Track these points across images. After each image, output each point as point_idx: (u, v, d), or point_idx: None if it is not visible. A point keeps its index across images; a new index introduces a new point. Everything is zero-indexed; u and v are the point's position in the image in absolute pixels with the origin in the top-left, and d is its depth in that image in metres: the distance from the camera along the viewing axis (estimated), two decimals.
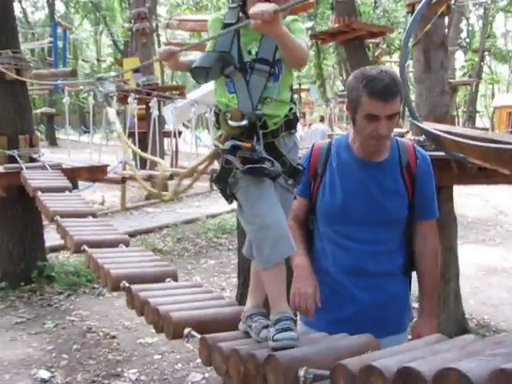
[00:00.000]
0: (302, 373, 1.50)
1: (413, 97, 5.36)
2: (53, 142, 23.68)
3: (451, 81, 21.20)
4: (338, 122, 18.00)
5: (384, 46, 17.86)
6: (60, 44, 19.29)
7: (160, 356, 4.54)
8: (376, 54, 18.86)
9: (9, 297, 5.85)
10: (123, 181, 7.82)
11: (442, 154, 4.05)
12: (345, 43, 12.36)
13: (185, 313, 2.19)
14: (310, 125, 16.08)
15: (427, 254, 2.28)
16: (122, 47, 33.75)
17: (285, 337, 1.62)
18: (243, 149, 1.77)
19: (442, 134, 3.15)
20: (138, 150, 4.71)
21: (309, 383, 1.51)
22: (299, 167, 1.83)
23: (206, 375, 4.20)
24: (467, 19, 41.37)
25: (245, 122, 1.76)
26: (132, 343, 4.81)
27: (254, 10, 1.60)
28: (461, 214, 11.63)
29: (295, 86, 23.45)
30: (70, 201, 4.86)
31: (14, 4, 6.86)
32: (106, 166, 7.00)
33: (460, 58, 43.08)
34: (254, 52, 1.82)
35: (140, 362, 4.42)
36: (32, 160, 6.03)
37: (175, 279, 2.89)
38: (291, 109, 1.85)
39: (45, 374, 4.14)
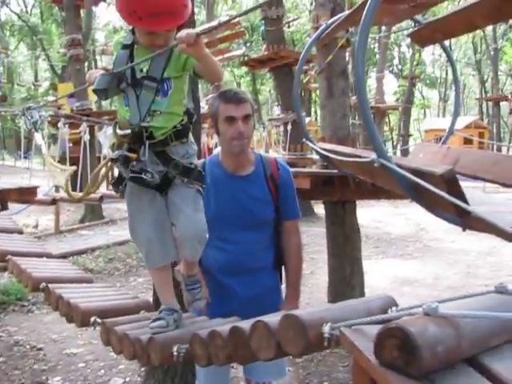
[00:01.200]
0: (175, 349, 1.91)
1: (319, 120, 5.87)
2: None
3: (379, 105, 22.13)
4: (274, 146, 18.54)
5: (313, 72, 18.60)
6: None
7: (84, 364, 4.80)
8: (305, 80, 19.63)
9: None
10: (53, 202, 7.99)
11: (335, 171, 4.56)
12: (274, 70, 13.00)
13: (92, 304, 2.55)
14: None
15: (292, 250, 2.70)
16: (59, 71, 33.59)
17: (154, 325, 2.07)
18: (131, 159, 2.12)
19: (324, 152, 3.63)
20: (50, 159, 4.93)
21: (181, 358, 1.92)
22: (191, 166, 2.12)
23: (127, 379, 4.49)
24: (399, 47, 43.45)
25: (128, 131, 2.09)
26: (58, 354, 5.04)
27: (179, 34, 1.89)
28: (386, 231, 12.37)
29: None
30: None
31: None
32: (36, 187, 7.19)
33: (394, 84, 45.02)
34: (144, 70, 2.08)
35: (65, 370, 4.67)
36: None
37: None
38: (182, 120, 2.12)
39: None
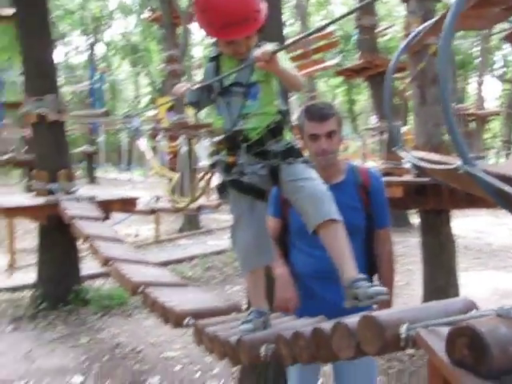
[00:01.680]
0: (263, 349, 1.99)
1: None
2: (92, 179, 24.52)
3: (479, 112, 21.28)
4: (371, 156, 18.31)
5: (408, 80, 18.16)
6: (99, 86, 20.35)
7: (181, 366, 4.99)
8: (401, 88, 19.23)
9: (49, 316, 6.39)
10: (153, 212, 8.38)
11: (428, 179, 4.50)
12: (369, 79, 12.85)
13: (186, 306, 2.69)
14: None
15: (384, 258, 2.72)
16: (159, 86, 34.96)
17: (243, 328, 2.16)
18: (229, 163, 2.22)
19: (415, 160, 3.60)
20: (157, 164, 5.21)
21: (269, 357, 2.00)
22: (288, 145, 2.16)
23: (221, 383, 4.63)
24: (501, 50, 41.49)
25: (222, 136, 2.21)
26: (156, 357, 5.27)
27: (256, 53, 1.99)
28: (487, 242, 11.89)
29: None
30: (101, 228, 5.45)
31: (58, 49, 7.59)
32: (136, 198, 7.58)
33: (498, 88, 43.00)
34: (231, 78, 2.18)
35: (162, 372, 4.89)
36: (69, 193, 6.65)
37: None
38: (275, 119, 2.18)
39: (77, 379, 4.67)
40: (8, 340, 5.74)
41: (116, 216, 8.43)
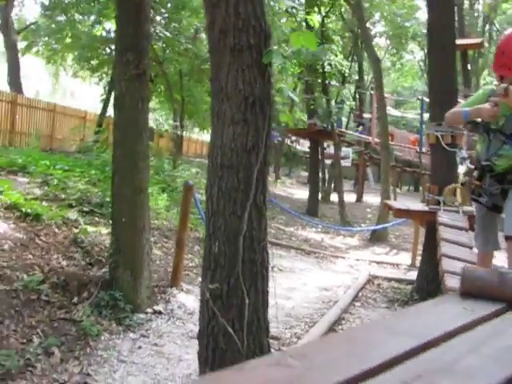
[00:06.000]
0: None
1: None
2: None
3: None
4: None
5: None
6: None
7: None
8: None
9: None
10: None
11: None
12: None
13: None
14: None
15: None
16: None
17: None
18: (474, 185, 3.10)
19: None
20: None
21: None
22: None
23: None
24: None
25: (472, 166, 3.07)
26: None
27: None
28: None
29: None
30: (459, 236, 6.35)
31: None
32: None
33: None
34: (500, 124, 2.83)
35: None
36: (449, 205, 7.66)
37: None
38: None
39: None
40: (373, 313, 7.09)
41: None
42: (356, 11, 14.18)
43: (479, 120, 3.00)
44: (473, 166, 2.98)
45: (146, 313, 5.46)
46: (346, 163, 24.03)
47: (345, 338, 1.38)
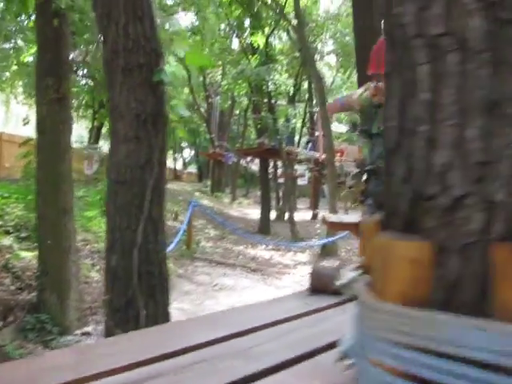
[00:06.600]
0: None
1: None
2: None
3: None
4: None
5: None
6: None
7: None
8: None
9: None
10: None
11: None
12: None
13: None
14: None
15: None
16: None
17: None
18: (363, 189, 3.24)
19: None
20: None
21: None
22: None
23: None
24: None
25: (358, 169, 3.22)
26: None
27: None
28: None
29: None
30: None
31: None
32: None
33: None
34: (381, 128, 3.03)
35: None
36: None
37: None
38: None
39: None
40: None
41: None
42: (298, 31, 14.48)
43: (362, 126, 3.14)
44: (358, 170, 3.11)
45: (75, 334, 5.46)
46: (302, 181, 24.14)
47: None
